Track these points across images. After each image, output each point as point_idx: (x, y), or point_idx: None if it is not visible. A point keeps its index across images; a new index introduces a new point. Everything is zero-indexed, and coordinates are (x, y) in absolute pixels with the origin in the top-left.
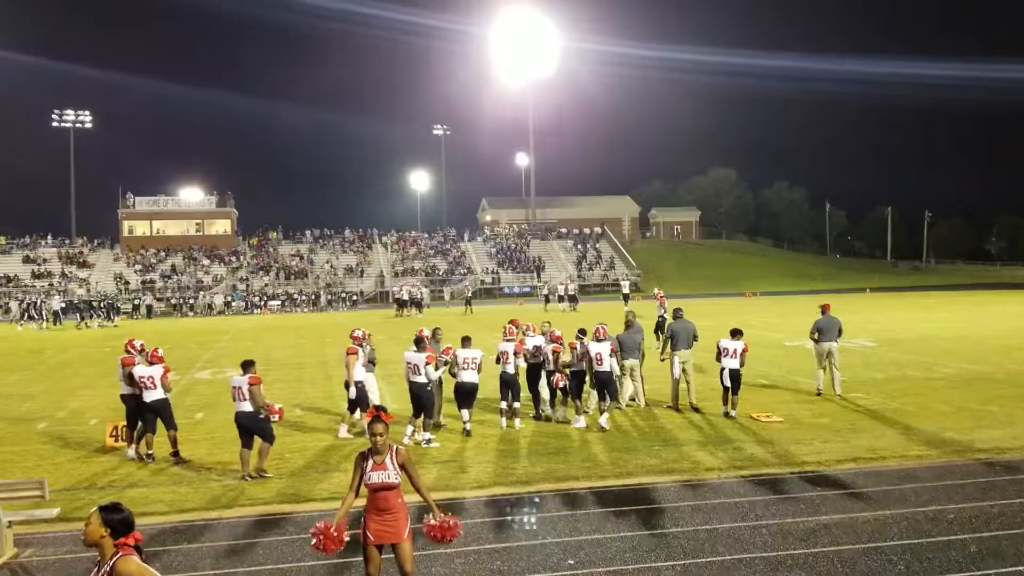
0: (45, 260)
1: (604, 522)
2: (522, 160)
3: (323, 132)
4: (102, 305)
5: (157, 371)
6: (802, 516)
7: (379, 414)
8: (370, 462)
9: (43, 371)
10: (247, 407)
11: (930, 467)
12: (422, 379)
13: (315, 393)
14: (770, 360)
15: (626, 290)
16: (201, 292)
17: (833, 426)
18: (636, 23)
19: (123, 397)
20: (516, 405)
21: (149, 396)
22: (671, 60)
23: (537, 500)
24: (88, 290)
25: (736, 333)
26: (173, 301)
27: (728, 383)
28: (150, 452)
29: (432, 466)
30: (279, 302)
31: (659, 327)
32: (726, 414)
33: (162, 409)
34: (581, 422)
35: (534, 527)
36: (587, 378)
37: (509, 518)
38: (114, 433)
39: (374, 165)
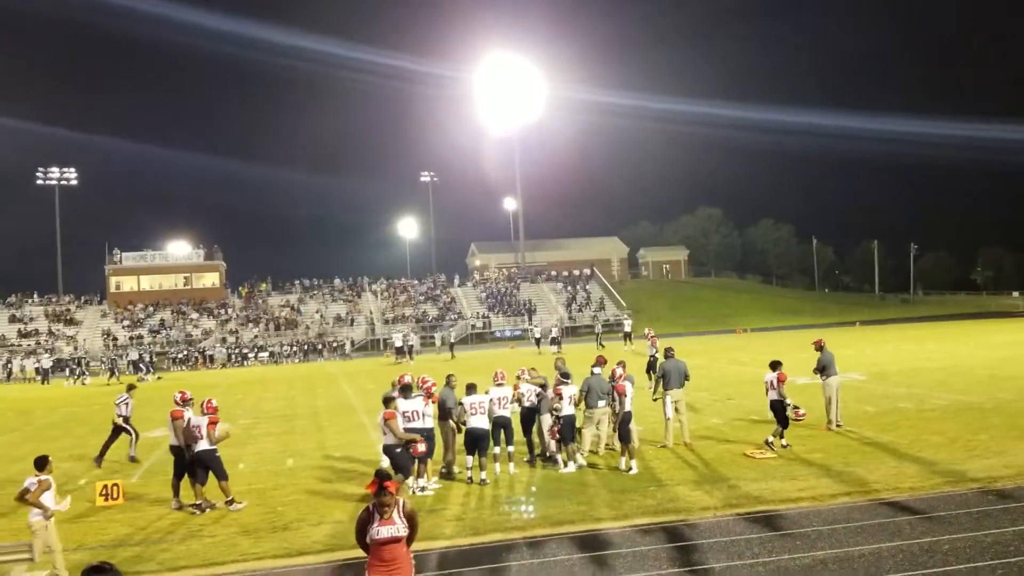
0: (32, 319)
1: (601, 566)
2: (510, 204)
3: (310, 181)
4: (142, 359)
5: (204, 421)
6: (798, 552)
7: (385, 485)
8: (377, 518)
9: (31, 431)
10: (390, 439)
11: (924, 499)
12: (417, 424)
13: (306, 444)
14: (762, 396)
15: (627, 329)
16: (204, 344)
17: (827, 461)
18: (619, 73)
19: (171, 448)
20: (511, 449)
21: (198, 447)
22: (654, 109)
23: (533, 545)
24: (75, 348)
25: (773, 365)
26: (176, 356)
27: (772, 413)
28: (200, 502)
29: (427, 515)
30: (268, 353)
31: (651, 367)
32: (784, 445)
33: (209, 460)
34: (571, 467)
35: (531, 574)
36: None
37: (506, 565)
38: (104, 492)
39: (362, 213)
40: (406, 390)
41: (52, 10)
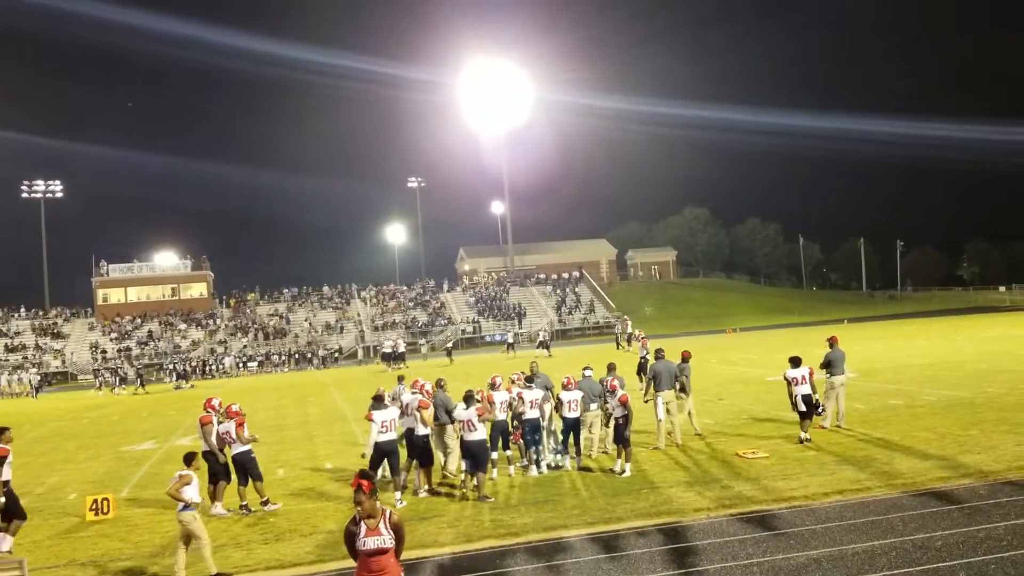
0: (18, 333)
1: (596, 570)
2: (498, 208)
3: (296, 189)
4: (176, 367)
5: (232, 425)
6: (792, 552)
7: (361, 484)
8: (363, 527)
9: (20, 446)
10: (478, 435)
11: (916, 495)
12: (390, 436)
13: (297, 454)
14: (753, 396)
15: (630, 329)
16: (194, 355)
17: (818, 459)
18: (605, 76)
19: (204, 455)
20: (508, 453)
21: (234, 450)
22: (639, 111)
23: (527, 551)
24: (64, 362)
25: (797, 361)
26: (171, 366)
27: (804, 408)
28: (243, 503)
29: (420, 522)
30: (256, 363)
31: (641, 368)
32: (800, 439)
33: (246, 462)
34: (534, 471)
35: None
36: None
37: (501, 571)
38: (94, 506)
39: (350, 220)
40: (379, 400)
41: (34, 22)
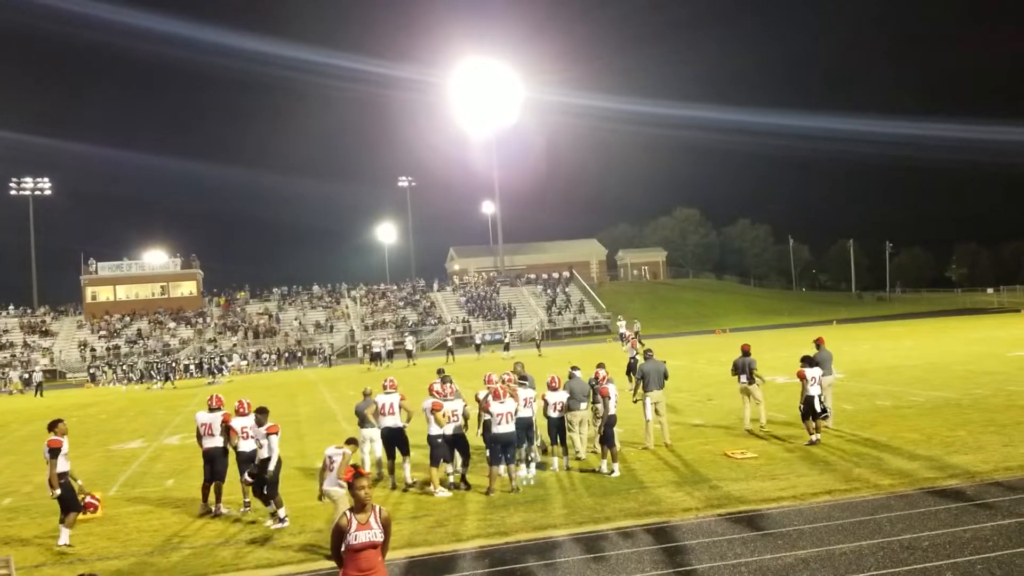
0: (6, 331)
1: (584, 569)
2: (488, 208)
3: (287, 188)
4: (212, 363)
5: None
6: (780, 552)
7: (359, 470)
8: (354, 522)
9: (8, 444)
10: (511, 427)
11: (903, 496)
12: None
13: (286, 453)
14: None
15: (623, 330)
16: (180, 354)
17: (807, 460)
18: (595, 76)
19: (206, 451)
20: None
21: (247, 446)
22: (630, 112)
23: (516, 550)
24: (51, 360)
25: (812, 360)
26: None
27: (818, 408)
28: (248, 500)
29: (407, 521)
30: (245, 362)
31: (631, 368)
32: (811, 441)
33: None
34: (524, 471)
35: None
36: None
37: (488, 571)
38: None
39: (340, 219)
40: (261, 413)
41: (23, 19)
